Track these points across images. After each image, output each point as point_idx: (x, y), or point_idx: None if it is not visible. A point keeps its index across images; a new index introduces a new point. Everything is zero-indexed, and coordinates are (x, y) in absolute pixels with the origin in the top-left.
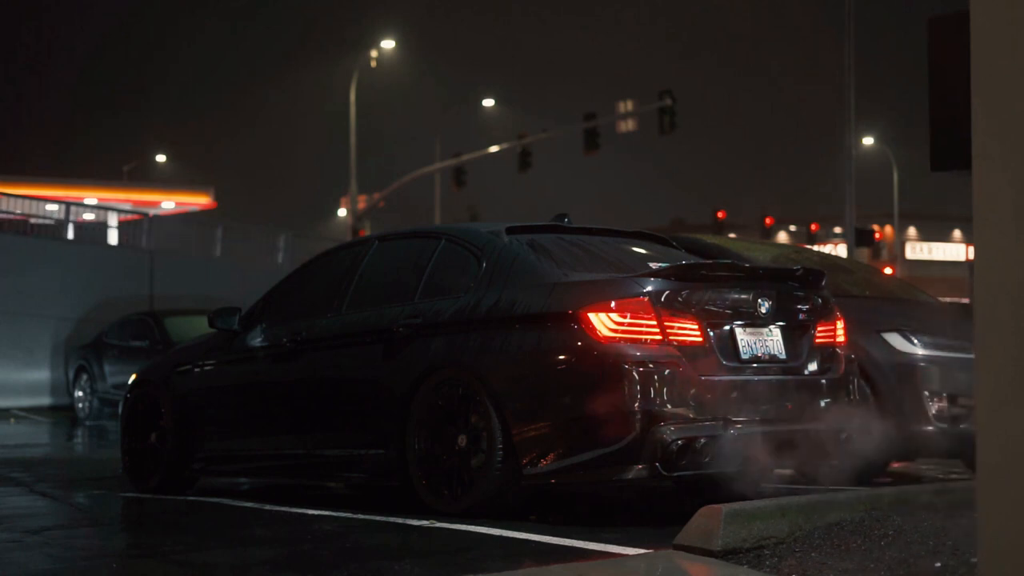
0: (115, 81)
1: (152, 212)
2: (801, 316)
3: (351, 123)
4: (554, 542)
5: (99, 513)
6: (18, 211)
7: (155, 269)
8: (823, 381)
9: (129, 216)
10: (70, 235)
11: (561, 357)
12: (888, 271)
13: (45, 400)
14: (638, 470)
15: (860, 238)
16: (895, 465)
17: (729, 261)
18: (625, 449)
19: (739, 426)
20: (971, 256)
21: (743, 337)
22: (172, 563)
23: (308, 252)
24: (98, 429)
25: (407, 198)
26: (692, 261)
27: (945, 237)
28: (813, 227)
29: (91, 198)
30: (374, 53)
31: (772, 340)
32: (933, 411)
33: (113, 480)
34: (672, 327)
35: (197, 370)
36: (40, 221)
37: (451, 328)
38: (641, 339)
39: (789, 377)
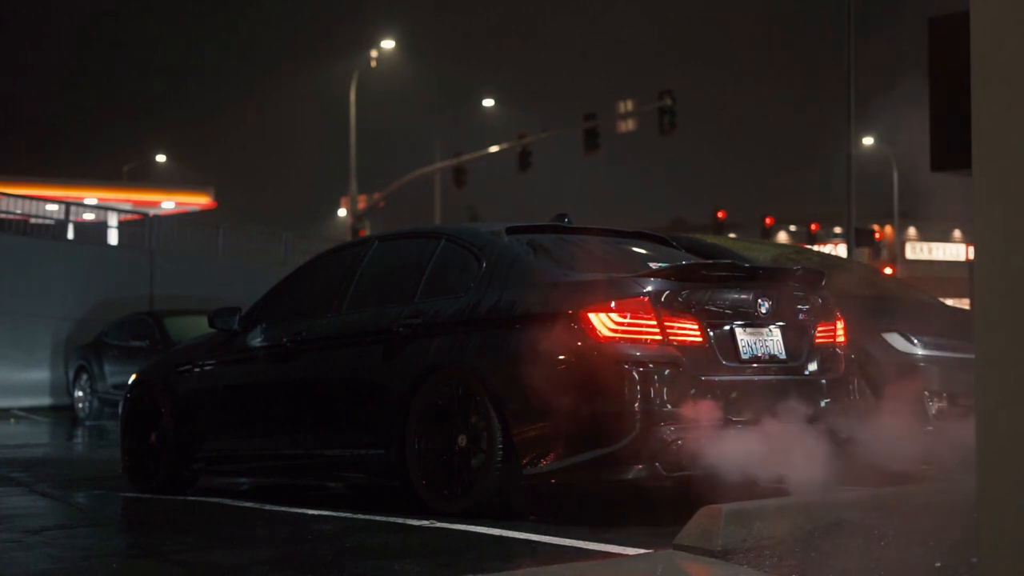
0: (115, 81)
1: (152, 212)
2: (801, 316)
3: (351, 123)
4: (554, 542)
5: (99, 513)
6: (18, 211)
7: (155, 269)
8: (823, 381)
9: (129, 216)
10: (70, 235)
11: (561, 357)
12: (888, 271)
13: (45, 400)
14: (638, 470)
15: (860, 238)
16: (895, 465)
17: (729, 261)
18: (625, 449)
19: (739, 426)
20: (971, 256)
21: (743, 337)
22: (172, 563)
23: (308, 252)
24: (98, 429)
25: (407, 198)
26: (692, 261)
27: (945, 237)
28: (813, 227)
29: (91, 198)
30: (374, 53)
31: (772, 340)
32: (933, 411)
33: (113, 480)
34: (672, 327)
35: (197, 370)
36: (40, 221)
37: (451, 328)
38: (641, 339)
39: (789, 377)
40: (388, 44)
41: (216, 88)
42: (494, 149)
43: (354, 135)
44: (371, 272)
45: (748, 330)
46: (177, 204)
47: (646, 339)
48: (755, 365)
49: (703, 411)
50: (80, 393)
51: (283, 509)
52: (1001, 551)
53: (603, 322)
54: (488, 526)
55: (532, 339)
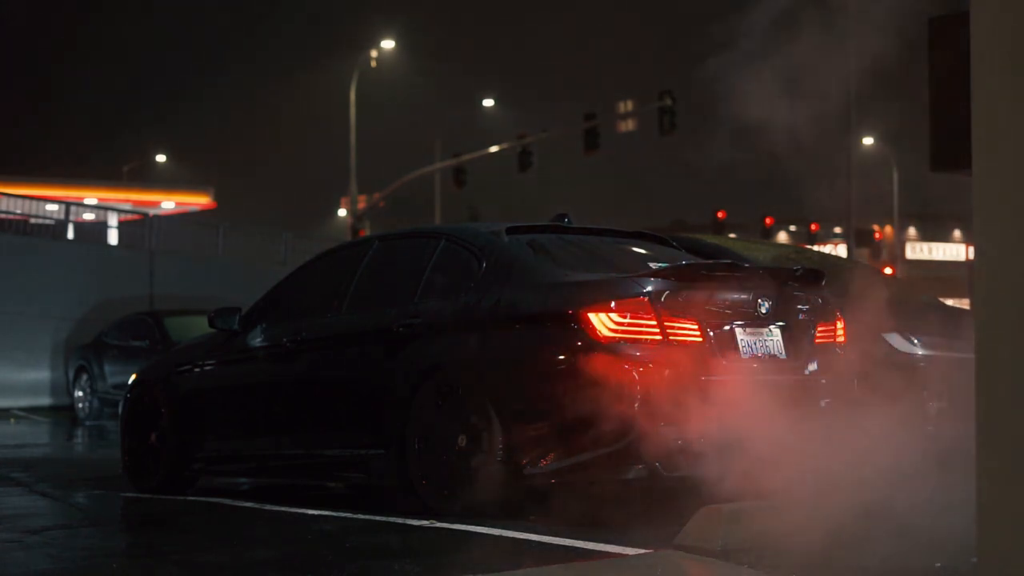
0: (115, 81)
1: (152, 212)
2: (801, 316)
3: (351, 123)
4: (554, 542)
5: (99, 513)
6: (18, 211)
7: (155, 269)
8: (823, 381)
9: (129, 216)
10: (70, 235)
11: (561, 357)
12: (888, 271)
13: (45, 400)
14: (638, 470)
15: (860, 238)
16: (895, 465)
17: (729, 261)
18: (625, 449)
19: (739, 426)
20: (971, 256)
21: (743, 337)
22: (172, 563)
23: (308, 252)
24: (98, 429)
25: (407, 198)
26: (692, 261)
27: (945, 237)
28: (813, 227)
29: (91, 198)
30: (374, 53)
31: (772, 340)
32: (933, 411)
33: (113, 480)
34: (672, 327)
35: (197, 370)
36: (40, 221)
37: (451, 328)
38: (641, 339)
39: (789, 377)
40: (388, 44)
41: (216, 88)
42: (494, 149)
43: (354, 135)
44: (371, 272)
45: (748, 330)
46: (177, 204)
47: (646, 339)
48: (755, 365)
49: (703, 411)
50: (80, 393)
51: (283, 509)
52: (1001, 552)
53: (603, 322)
54: (488, 526)
55: (532, 339)
